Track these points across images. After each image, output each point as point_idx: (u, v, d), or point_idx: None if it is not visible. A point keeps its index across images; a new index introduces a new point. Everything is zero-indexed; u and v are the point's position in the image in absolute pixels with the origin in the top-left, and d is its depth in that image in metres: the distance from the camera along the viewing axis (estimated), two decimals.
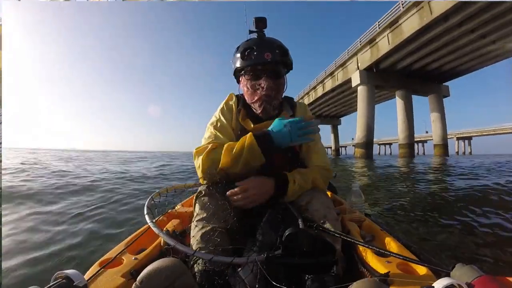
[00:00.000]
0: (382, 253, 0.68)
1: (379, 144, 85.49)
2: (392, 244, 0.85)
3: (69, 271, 0.57)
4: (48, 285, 0.53)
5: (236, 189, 0.85)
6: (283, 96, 1.07)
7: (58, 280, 0.55)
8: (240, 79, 1.02)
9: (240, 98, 1.06)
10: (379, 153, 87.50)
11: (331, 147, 46.75)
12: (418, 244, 1.62)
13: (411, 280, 0.64)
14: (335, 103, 31.42)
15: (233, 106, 1.03)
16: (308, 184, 0.92)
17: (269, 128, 0.89)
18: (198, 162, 0.92)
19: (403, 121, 20.10)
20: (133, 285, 0.55)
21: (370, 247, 0.70)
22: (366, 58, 19.15)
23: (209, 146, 0.92)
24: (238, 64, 0.98)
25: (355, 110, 21.84)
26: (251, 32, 1.01)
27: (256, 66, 0.95)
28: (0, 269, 1.38)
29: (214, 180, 0.89)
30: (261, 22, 0.99)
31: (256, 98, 0.97)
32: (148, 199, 1.02)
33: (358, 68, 19.90)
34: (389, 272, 0.67)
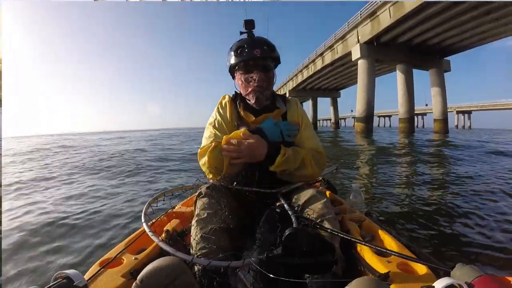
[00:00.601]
0: (382, 252, 0.68)
1: (379, 117, 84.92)
2: (392, 244, 0.85)
3: (69, 271, 0.57)
4: (48, 285, 0.53)
5: (233, 141, 0.95)
6: (277, 93, 1.20)
7: (58, 280, 0.55)
8: (235, 74, 1.14)
9: (237, 94, 1.18)
10: (378, 125, 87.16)
11: (330, 120, 46.67)
12: (418, 244, 1.69)
13: (411, 280, 0.65)
14: (334, 76, 30.80)
15: (227, 104, 1.14)
16: (296, 161, 0.99)
17: (261, 126, 1.03)
18: (203, 160, 1.01)
19: (404, 95, 19.85)
20: (134, 284, 0.55)
21: (370, 245, 0.70)
22: (366, 31, 18.50)
23: (212, 144, 1.01)
24: (232, 61, 1.10)
25: (355, 82, 21.47)
26: (241, 33, 1.15)
27: (248, 62, 1.07)
28: (0, 269, 1.42)
29: (218, 174, 0.98)
30: (249, 24, 1.13)
31: (250, 89, 1.08)
32: (146, 206, 1.02)
33: (359, 42, 19.29)
34: (389, 272, 0.67)
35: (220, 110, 1.14)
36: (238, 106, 1.13)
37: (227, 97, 1.17)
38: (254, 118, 1.09)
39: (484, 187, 3.39)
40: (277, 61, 1.15)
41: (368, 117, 19.46)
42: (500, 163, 5.59)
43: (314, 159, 1.04)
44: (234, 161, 0.95)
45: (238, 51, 1.08)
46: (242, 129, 0.99)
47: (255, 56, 1.05)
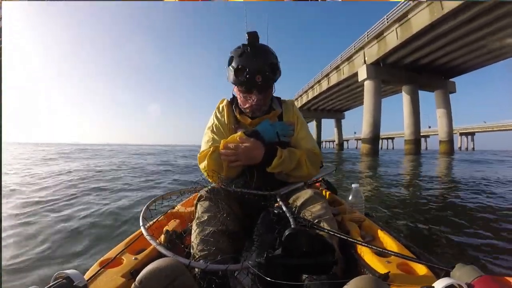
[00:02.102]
0: (382, 253, 0.68)
1: (382, 139, 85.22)
2: (392, 245, 0.85)
3: (69, 271, 0.57)
4: (48, 285, 0.53)
5: (230, 145, 0.98)
6: (273, 95, 1.20)
7: (58, 280, 0.55)
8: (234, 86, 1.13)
9: (235, 97, 1.17)
10: (381, 147, 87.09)
11: (334, 141, 46.73)
12: (419, 244, 1.65)
13: (411, 280, 0.65)
14: (339, 97, 31.20)
15: (224, 108, 1.16)
16: (292, 162, 1.01)
17: (257, 128, 1.05)
18: (203, 164, 1.04)
19: (410, 116, 19.97)
20: (132, 285, 0.55)
21: (369, 246, 0.70)
22: (373, 52, 18.91)
23: (210, 149, 1.04)
24: (231, 79, 1.07)
25: (360, 104, 21.64)
26: (244, 45, 1.06)
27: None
28: (0, 269, 1.40)
29: (218, 177, 1.01)
30: (253, 37, 1.07)
31: (247, 105, 1.09)
32: (144, 208, 1.01)
33: (365, 63, 19.66)
34: (389, 272, 0.66)
35: (218, 115, 1.16)
36: (235, 110, 1.14)
37: (225, 101, 1.19)
38: (250, 121, 1.11)
39: (484, 188, 3.56)
40: (278, 77, 1.13)
41: (374, 139, 19.44)
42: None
43: (309, 159, 1.06)
44: (233, 165, 0.99)
45: (239, 71, 1.03)
46: (239, 133, 1.02)
47: (256, 82, 1.03)
